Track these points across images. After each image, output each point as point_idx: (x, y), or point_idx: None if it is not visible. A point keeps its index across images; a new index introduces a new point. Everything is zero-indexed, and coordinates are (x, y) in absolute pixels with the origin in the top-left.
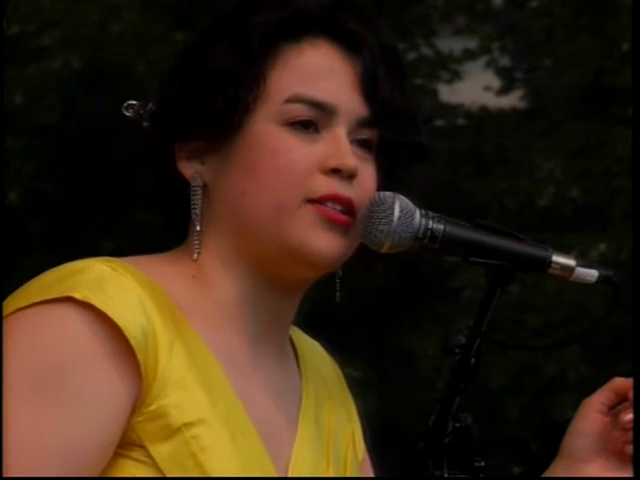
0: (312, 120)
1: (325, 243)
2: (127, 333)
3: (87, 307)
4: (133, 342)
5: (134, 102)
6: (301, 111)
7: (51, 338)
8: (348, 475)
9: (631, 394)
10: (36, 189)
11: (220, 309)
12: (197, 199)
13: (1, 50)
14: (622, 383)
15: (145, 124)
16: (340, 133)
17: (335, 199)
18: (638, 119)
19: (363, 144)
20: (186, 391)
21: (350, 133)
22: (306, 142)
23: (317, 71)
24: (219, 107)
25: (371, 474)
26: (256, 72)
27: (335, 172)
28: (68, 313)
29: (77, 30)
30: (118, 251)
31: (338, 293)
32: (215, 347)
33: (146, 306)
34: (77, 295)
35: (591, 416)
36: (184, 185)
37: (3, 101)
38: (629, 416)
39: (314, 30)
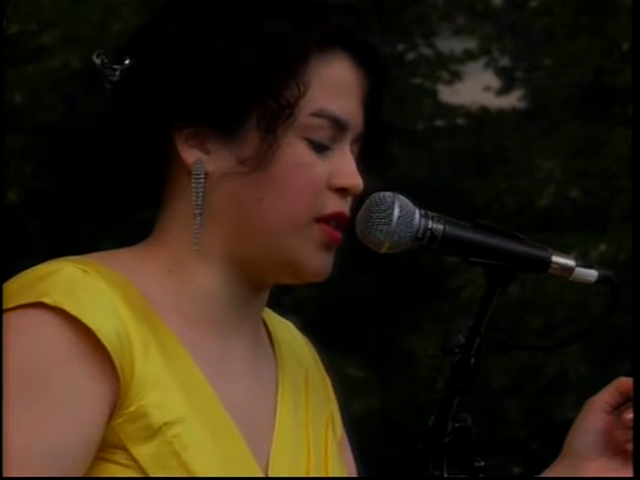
0: (327, 143)
1: (323, 264)
2: (101, 336)
3: (59, 312)
4: (108, 345)
5: (105, 51)
6: (322, 129)
7: (25, 344)
8: (329, 459)
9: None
10: (36, 188)
11: (195, 303)
12: (200, 188)
13: (1, 50)
14: (626, 382)
15: (112, 78)
16: (347, 150)
17: (340, 218)
18: (638, 119)
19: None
20: (164, 390)
21: (350, 146)
22: (321, 159)
23: (341, 86)
24: (262, 108)
25: (349, 452)
26: (298, 76)
27: (341, 190)
28: (40, 319)
29: (77, 29)
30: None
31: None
32: (189, 342)
33: (118, 308)
34: (48, 300)
35: (595, 415)
36: (159, 161)
37: (3, 101)
38: (631, 415)
39: (338, 42)
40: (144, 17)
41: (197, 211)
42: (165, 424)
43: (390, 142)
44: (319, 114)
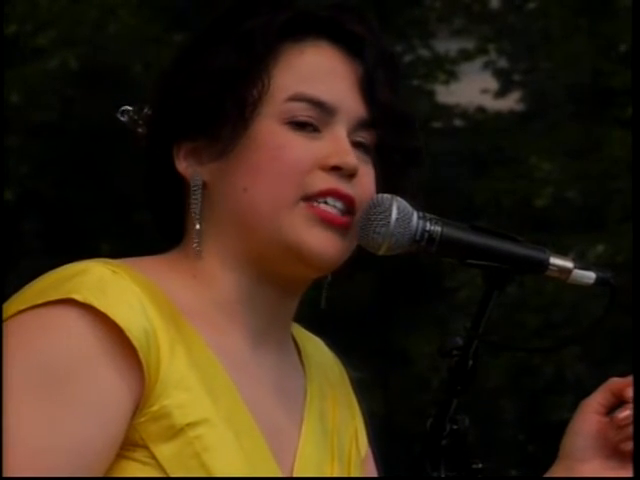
0: (312, 121)
1: (320, 242)
2: (129, 334)
3: (88, 309)
4: (135, 343)
5: (129, 107)
6: (302, 110)
7: (53, 340)
8: (352, 472)
9: (628, 393)
10: (32, 188)
11: (221, 308)
12: (197, 198)
13: (1, 50)
14: (618, 383)
15: (140, 129)
16: (340, 132)
17: (335, 195)
18: (638, 119)
19: (362, 146)
20: (188, 391)
21: (350, 134)
22: (307, 140)
23: (319, 71)
24: (228, 107)
25: (374, 470)
26: (260, 72)
27: (335, 170)
28: (70, 315)
29: (74, 30)
30: (115, 252)
31: (324, 297)
32: (216, 347)
33: (147, 307)
34: (78, 297)
35: (588, 417)
36: (179, 185)
37: (3, 101)
38: (624, 413)
39: (316, 32)
40: (140, 18)
41: (196, 220)
42: (188, 425)
43: (411, 133)
44: (295, 98)
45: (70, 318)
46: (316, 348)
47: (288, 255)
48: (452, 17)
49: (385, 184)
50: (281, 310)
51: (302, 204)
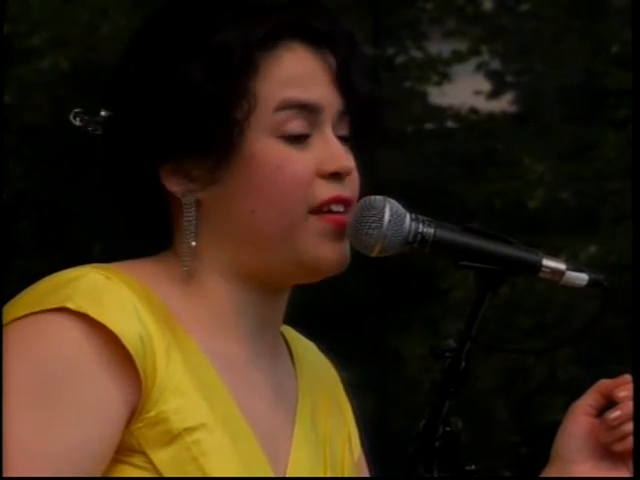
0: (303, 130)
1: (335, 255)
2: (125, 341)
3: (83, 317)
4: (131, 350)
5: (81, 110)
6: (292, 119)
7: (49, 348)
8: (346, 475)
9: (618, 394)
10: (24, 188)
11: (214, 315)
12: (191, 216)
13: (1, 50)
14: (608, 385)
15: (97, 132)
16: (329, 133)
17: (339, 201)
18: (638, 119)
19: (344, 138)
20: (185, 396)
21: (333, 129)
22: (302, 150)
23: (298, 74)
24: (216, 129)
25: (366, 472)
26: (242, 88)
27: (334, 175)
28: (64, 323)
29: (66, 31)
30: (107, 253)
31: None
32: (210, 351)
33: (141, 313)
34: (72, 306)
35: (579, 419)
36: (159, 195)
37: (3, 102)
38: (614, 414)
39: (287, 35)
40: (133, 19)
41: (188, 239)
42: (185, 430)
43: (383, 115)
44: (282, 106)
45: (65, 326)
46: (308, 350)
47: (300, 270)
48: (445, 19)
49: (360, 166)
50: (272, 313)
51: (311, 217)
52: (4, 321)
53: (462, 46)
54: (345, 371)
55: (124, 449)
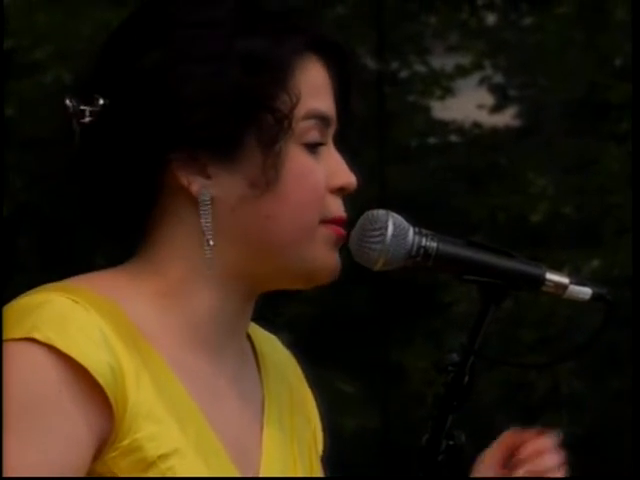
0: (321, 140)
1: (335, 263)
2: (94, 373)
3: (50, 348)
4: (101, 381)
5: (74, 96)
6: (314, 129)
7: (15, 376)
8: (315, 474)
9: (522, 453)
10: (26, 202)
11: (186, 327)
12: (208, 214)
13: (1, 49)
14: (512, 437)
15: (86, 120)
16: (333, 147)
17: (343, 223)
18: (638, 128)
19: None
20: (158, 422)
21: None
22: (318, 162)
23: (320, 86)
24: (253, 134)
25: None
26: (285, 96)
27: (339, 190)
28: (31, 354)
29: (69, 45)
30: (110, 266)
31: None
32: (176, 366)
33: (110, 339)
34: (39, 336)
35: (488, 470)
36: (149, 189)
37: (3, 115)
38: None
39: (309, 47)
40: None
41: (209, 237)
42: (159, 457)
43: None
44: (308, 116)
45: (32, 358)
46: (272, 347)
47: (302, 277)
48: (448, 33)
49: None
50: (244, 319)
51: (322, 227)
52: None
53: (465, 60)
54: (349, 385)
55: (96, 478)
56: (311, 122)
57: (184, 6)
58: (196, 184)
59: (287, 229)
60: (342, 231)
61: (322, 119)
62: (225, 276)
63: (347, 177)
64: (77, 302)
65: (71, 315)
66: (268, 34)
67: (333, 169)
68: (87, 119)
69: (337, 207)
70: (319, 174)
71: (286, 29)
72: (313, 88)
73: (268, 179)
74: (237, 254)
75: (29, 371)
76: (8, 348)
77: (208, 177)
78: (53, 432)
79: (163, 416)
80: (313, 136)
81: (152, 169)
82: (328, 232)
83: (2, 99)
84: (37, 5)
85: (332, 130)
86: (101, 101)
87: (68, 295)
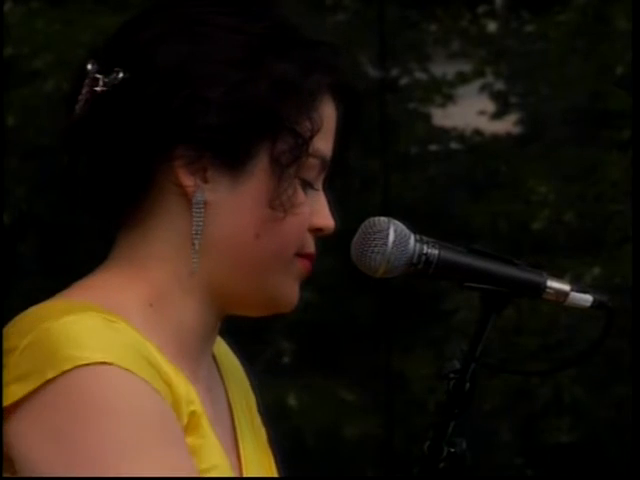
0: (315, 183)
1: (297, 296)
2: (159, 387)
3: (127, 370)
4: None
5: (95, 63)
6: (314, 168)
7: (126, 404)
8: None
9: None
10: (28, 211)
11: (174, 339)
12: (200, 216)
13: (1, 58)
14: None
15: (98, 88)
16: (321, 189)
17: (313, 259)
18: (638, 134)
19: None
20: (202, 437)
21: None
22: (307, 198)
23: (329, 126)
24: (261, 144)
25: None
26: (308, 115)
27: (317, 230)
28: (124, 378)
29: (70, 53)
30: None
31: None
32: None
33: (155, 355)
34: (111, 359)
35: None
36: (145, 186)
37: (3, 122)
38: None
39: (330, 85)
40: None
41: (196, 241)
42: (200, 472)
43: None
44: (315, 154)
45: (125, 379)
46: (223, 352)
47: (265, 303)
48: (449, 40)
49: None
50: (215, 331)
51: (297, 260)
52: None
53: (466, 67)
54: (349, 392)
55: None
56: (314, 161)
57: (222, 8)
58: (193, 184)
59: (271, 253)
60: (310, 267)
61: (323, 161)
62: (204, 289)
63: (328, 220)
64: (113, 321)
65: (120, 337)
66: (297, 61)
67: (318, 209)
68: (100, 88)
69: (311, 244)
70: (306, 209)
71: (315, 62)
72: (325, 130)
73: (282, 201)
74: (219, 266)
75: (132, 393)
76: (84, 373)
77: (205, 181)
78: (180, 439)
79: (207, 431)
80: (311, 175)
81: (153, 156)
82: (300, 266)
83: (2, 107)
84: (37, 13)
85: (324, 173)
86: (121, 74)
87: (100, 314)
